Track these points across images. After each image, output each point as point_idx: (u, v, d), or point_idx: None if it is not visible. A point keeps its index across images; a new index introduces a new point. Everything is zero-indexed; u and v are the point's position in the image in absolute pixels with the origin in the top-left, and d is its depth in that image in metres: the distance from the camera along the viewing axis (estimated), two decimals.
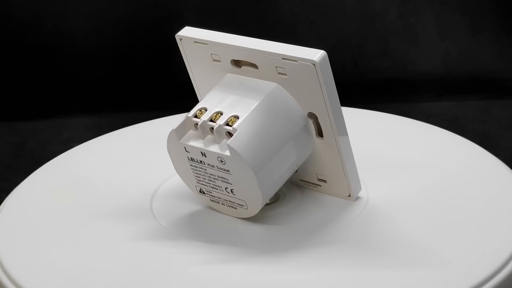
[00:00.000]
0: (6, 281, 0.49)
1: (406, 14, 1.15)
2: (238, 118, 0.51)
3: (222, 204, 0.54)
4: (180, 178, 0.56)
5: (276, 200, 0.57)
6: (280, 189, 0.57)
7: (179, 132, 0.52)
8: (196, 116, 0.52)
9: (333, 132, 0.52)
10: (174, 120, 0.54)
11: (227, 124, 0.51)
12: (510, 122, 1.06)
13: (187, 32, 0.55)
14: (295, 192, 0.57)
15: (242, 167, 0.50)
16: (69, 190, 0.59)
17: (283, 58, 0.50)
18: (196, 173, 0.53)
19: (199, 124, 0.51)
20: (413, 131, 0.67)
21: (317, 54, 0.49)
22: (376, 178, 0.58)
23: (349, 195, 0.55)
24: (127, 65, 1.16)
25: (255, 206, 0.52)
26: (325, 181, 0.55)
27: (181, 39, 0.55)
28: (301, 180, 0.57)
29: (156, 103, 1.13)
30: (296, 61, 0.50)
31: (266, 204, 0.56)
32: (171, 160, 0.54)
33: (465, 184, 0.57)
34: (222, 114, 0.51)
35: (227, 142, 0.50)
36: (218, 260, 0.50)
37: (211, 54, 0.54)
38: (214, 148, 0.51)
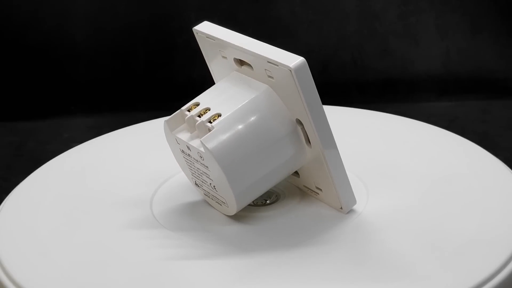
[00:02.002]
0: (6, 281, 0.49)
1: (406, 14, 1.15)
2: (220, 116, 0.51)
3: (212, 199, 0.55)
4: (177, 177, 0.56)
5: (276, 201, 0.57)
6: (282, 191, 0.57)
7: (171, 123, 0.53)
8: (189, 110, 0.53)
9: (318, 145, 0.51)
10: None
11: (210, 121, 0.51)
12: (510, 122, 1.06)
13: (203, 27, 0.55)
14: (295, 196, 0.57)
15: (214, 165, 0.50)
16: (68, 190, 0.59)
17: (268, 61, 0.50)
18: (189, 165, 0.54)
19: (186, 118, 0.52)
20: (413, 131, 0.67)
21: (294, 61, 0.48)
22: (375, 181, 0.58)
23: (342, 208, 0.54)
24: (127, 65, 1.16)
25: (232, 205, 0.52)
26: (321, 189, 0.55)
27: (197, 33, 0.56)
28: (304, 185, 0.57)
29: (156, 103, 1.13)
30: (277, 65, 0.49)
31: (265, 204, 0.56)
32: (172, 151, 0.55)
33: (465, 185, 0.57)
34: (209, 110, 0.52)
35: (201, 139, 0.50)
36: (190, 256, 0.50)
37: (219, 50, 0.55)
38: (195, 143, 0.51)
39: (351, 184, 0.55)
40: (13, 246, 0.52)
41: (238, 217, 0.54)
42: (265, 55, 0.50)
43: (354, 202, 0.54)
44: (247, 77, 0.53)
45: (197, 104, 0.53)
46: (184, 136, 0.52)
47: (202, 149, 0.50)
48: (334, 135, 0.66)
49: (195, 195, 0.57)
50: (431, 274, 0.47)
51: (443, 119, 1.05)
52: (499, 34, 1.15)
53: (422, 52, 1.15)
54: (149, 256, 0.50)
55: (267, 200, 0.57)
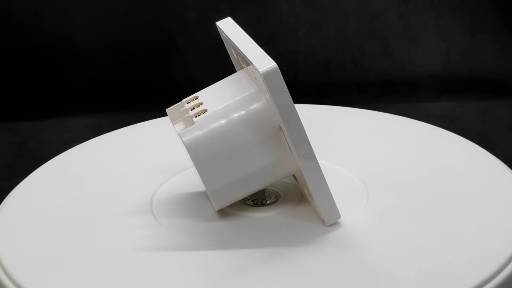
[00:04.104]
0: (6, 281, 0.49)
1: (406, 14, 1.15)
2: (205, 112, 0.52)
3: (206, 192, 0.55)
4: (179, 177, 0.56)
5: (275, 201, 0.56)
6: (284, 193, 0.57)
7: (171, 113, 0.54)
8: (188, 102, 0.54)
9: (294, 153, 0.50)
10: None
11: (196, 116, 0.52)
12: (510, 122, 1.06)
13: (222, 24, 0.56)
14: (293, 200, 0.56)
15: (191, 159, 0.51)
16: (68, 189, 0.59)
17: (250, 63, 0.50)
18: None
19: (181, 109, 0.53)
20: (413, 131, 0.67)
21: (266, 65, 0.48)
22: (375, 182, 0.58)
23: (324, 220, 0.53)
24: (127, 65, 1.16)
25: (211, 200, 0.53)
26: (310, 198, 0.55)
27: (218, 28, 0.56)
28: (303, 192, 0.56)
29: (156, 103, 1.13)
30: (254, 68, 0.49)
31: (265, 204, 0.56)
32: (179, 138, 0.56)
33: (464, 185, 0.57)
34: (201, 105, 0.52)
35: (179, 132, 0.51)
36: (163, 247, 0.51)
37: (231, 47, 0.56)
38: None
39: (350, 187, 0.55)
40: (13, 246, 0.52)
41: (228, 214, 0.55)
42: (247, 56, 0.50)
43: (337, 216, 0.52)
44: (247, 77, 0.53)
45: (196, 98, 0.53)
46: (178, 127, 0.53)
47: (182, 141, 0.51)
48: (333, 135, 0.66)
49: (195, 192, 0.57)
50: (430, 274, 0.47)
51: (443, 119, 1.05)
52: (499, 34, 1.15)
53: (422, 52, 1.15)
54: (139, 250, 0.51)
55: (267, 200, 0.57)
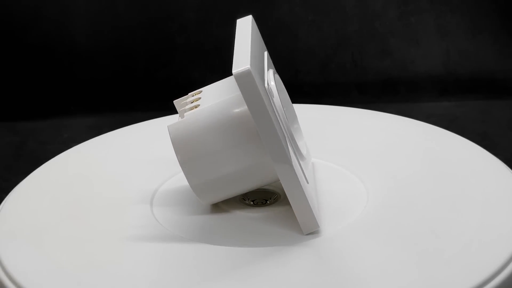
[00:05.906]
0: (6, 281, 0.49)
1: (406, 14, 1.15)
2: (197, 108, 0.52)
3: None
4: (179, 176, 0.56)
5: (274, 202, 0.56)
6: (285, 194, 0.57)
7: (178, 105, 0.54)
8: (194, 95, 0.54)
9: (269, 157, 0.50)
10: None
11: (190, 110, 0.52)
12: (510, 122, 1.06)
13: (240, 22, 0.56)
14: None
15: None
16: (68, 189, 0.59)
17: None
18: None
19: (182, 102, 0.54)
20: (413, 131, 0.67)
21: (239, 67, 0.47)
22: (375, 183, 0.58)
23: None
24: (127, 65, 1.16)
25: (195, 194, 0.53)
26: None
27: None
28: None
29: (156, 103, 1.13)
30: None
31: (265, 204, 0.56)
32: None
33: (465, 185, 0.57)
34: (199, 100, 0.53)
35: (168, 125, 0.51)
36: (146, 238, 0.52)
37: None
38: None
39: (350, 189, 0.54)
40: (13, 245, 0.52)
41: (222, 211, 0.55)
42: (234, 57, 0.50)
43: (315, 226, 0.51)
44: None
45: (201, 92, 0.54)
46: (178, 118, 0.54)
47: None
48: (333, 135, 0.66)
49: (192, 196, 0.57)
50: (431, 273, 0.47)
51: (443, 119, 1.05)
52: (499, 34, 1.15)
53: (422, 52, 1.15)
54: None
55: (267, 200, 0.57)
